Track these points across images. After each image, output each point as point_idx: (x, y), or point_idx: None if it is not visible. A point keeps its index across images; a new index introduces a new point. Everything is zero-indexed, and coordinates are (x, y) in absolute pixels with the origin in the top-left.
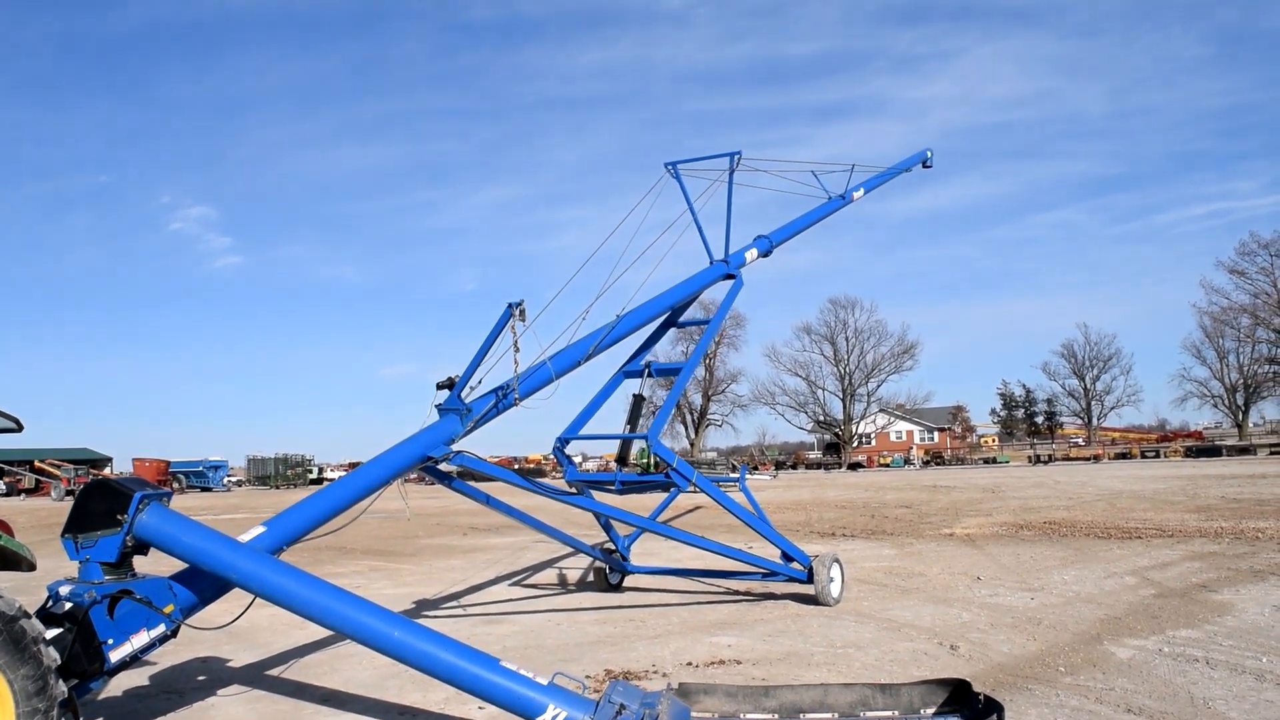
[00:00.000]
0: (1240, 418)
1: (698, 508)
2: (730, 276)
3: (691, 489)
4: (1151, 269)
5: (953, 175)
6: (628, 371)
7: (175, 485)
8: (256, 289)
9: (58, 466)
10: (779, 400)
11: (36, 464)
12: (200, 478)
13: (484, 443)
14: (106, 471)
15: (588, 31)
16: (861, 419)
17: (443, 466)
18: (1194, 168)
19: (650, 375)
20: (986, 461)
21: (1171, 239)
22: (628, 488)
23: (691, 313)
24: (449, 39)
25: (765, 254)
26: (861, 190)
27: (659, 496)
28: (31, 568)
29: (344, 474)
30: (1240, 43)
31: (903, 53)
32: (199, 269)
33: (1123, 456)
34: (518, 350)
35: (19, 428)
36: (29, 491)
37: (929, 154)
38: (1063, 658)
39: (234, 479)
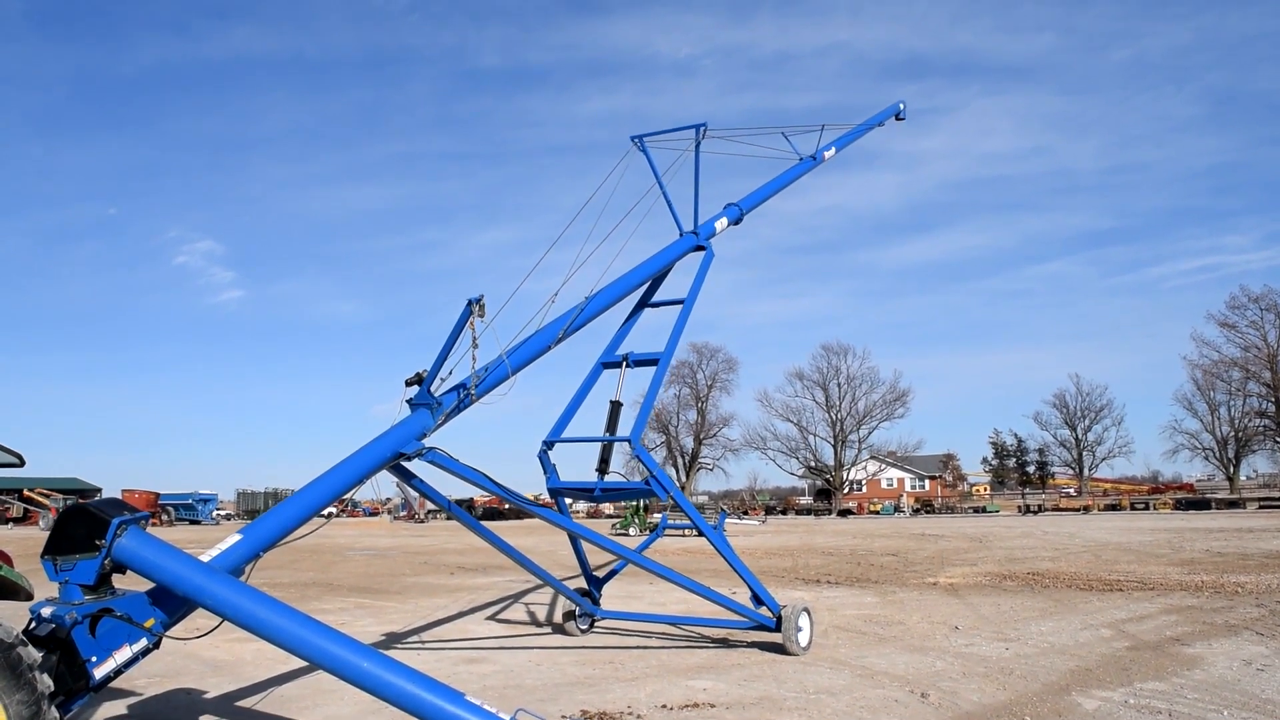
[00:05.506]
0: (1231, 471)
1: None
2: (700, 248)
3: (669, 502)
4: (1143, 321)
5: (946, 226)
6: (605, 362)
7: (164, 517)
8: (256, 323)
9: (46, 496)
10: (770, 445)
11: (25, 493)
12: (189, 510)
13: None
14: None
15: (591, 80)
16: (853, 465)
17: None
18: (1186, 223)
19: (629, 365)
20: (977, 510)
21: (1163, 292)
22: (607, 495)
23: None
24: (455, 85)
25: (736, 222)
26: (833, 149)
27: (639, 538)
28: (29, 597)
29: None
30: (1231, 103)
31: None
32: (200, 302)
33: (1113, 508)
34: (476, 348)
35: (21, 463)
36: (16, 520)
37: (902, 105)
38: (1029, 707)
39: (223, 512)
